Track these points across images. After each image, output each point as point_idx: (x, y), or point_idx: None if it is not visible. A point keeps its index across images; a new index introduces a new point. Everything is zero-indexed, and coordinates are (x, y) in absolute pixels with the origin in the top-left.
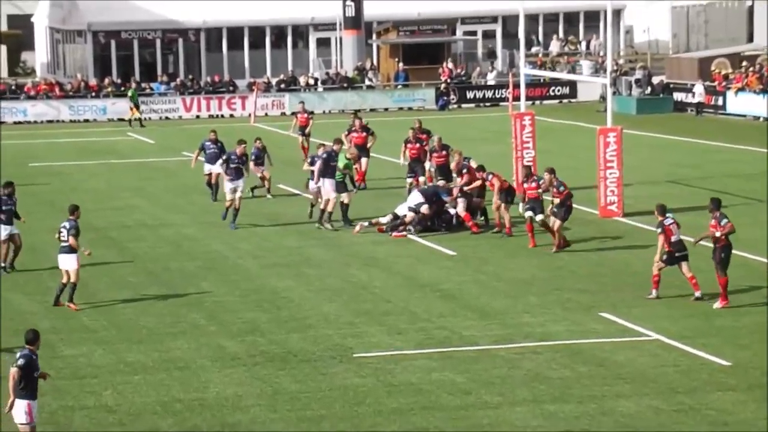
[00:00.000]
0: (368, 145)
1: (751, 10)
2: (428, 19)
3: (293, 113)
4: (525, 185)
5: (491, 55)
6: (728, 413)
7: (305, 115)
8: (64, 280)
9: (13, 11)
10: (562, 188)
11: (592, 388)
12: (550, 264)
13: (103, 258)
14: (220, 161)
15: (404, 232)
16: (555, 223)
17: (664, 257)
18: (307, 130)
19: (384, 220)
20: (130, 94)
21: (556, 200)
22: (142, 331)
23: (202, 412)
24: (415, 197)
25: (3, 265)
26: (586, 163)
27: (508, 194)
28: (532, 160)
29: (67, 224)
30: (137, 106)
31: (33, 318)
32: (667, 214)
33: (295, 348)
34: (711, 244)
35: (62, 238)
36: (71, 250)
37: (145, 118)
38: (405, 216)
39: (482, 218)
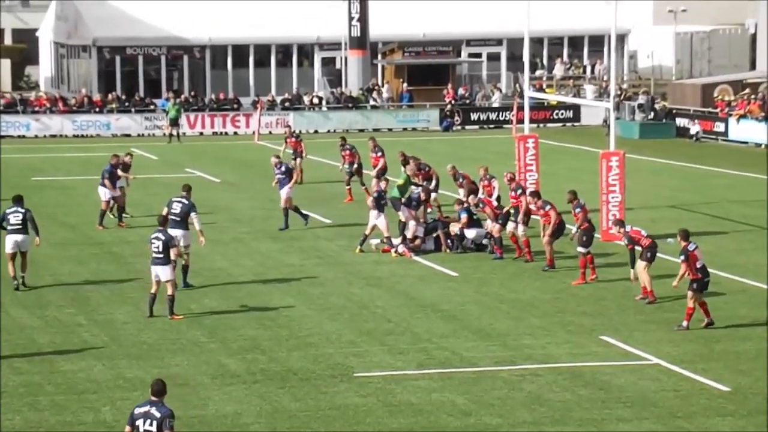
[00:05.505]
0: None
1: (754, 38)
2: (433, 41)
3: (285, 138)
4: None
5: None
6: None
7: (293, 138)
8: (153, 290)
9: (18, 25)
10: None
11: (593, 411)
12: (552, 286)
13: (105, 273)
14: None
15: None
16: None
17: (694, 285)
18: (304, 153)
19: (396, 241)
20: (167, 108)
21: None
22: (143, 346)
23: (201, 429)
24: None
25: (17, 281)
26: (589, 187)
27: (557, 230)
28: (536, 183)
29: (162, 236)
30: (173, 123)
31: (33, 332)
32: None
33: (295, 366)
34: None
35: (154, 249)
36: (167, 261)
37: (149, 135)
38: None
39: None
